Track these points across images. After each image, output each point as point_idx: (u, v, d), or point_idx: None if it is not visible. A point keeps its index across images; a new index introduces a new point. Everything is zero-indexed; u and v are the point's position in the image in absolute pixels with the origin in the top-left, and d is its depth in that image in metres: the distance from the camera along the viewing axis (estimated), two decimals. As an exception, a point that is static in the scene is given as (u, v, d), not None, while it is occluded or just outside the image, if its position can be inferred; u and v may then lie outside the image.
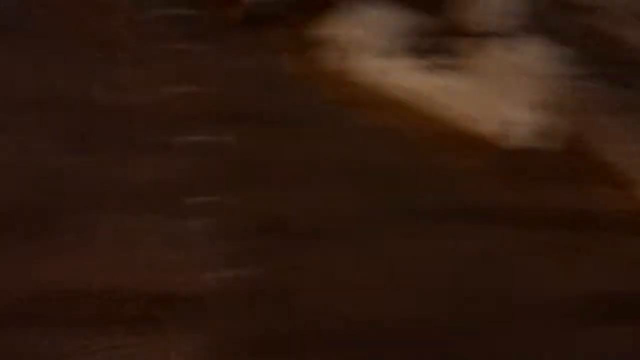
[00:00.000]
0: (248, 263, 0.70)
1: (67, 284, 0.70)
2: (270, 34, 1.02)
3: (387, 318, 0.60)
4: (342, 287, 0.69)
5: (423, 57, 1.00)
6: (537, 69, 0.98)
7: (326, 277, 0.68)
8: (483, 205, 0.83)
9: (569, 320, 0.70)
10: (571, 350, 0.66)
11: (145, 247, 0.74)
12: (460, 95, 0.95)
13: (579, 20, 1.05)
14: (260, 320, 0.64)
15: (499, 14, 1.08)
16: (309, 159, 0.88)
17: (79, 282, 0.71)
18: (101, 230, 0.77)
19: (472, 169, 0.89)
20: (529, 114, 0.92)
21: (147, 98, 0.86)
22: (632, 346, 0.69)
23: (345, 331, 0.61)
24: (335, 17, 1.02)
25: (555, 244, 0.79)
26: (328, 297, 0.64)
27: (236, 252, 0.70)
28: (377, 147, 0.92)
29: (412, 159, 0.90)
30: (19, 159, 0.86)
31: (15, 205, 0.81)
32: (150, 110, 0.82)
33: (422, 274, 0.76)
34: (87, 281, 0.72)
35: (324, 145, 0.90)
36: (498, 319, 0.70)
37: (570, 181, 0.90)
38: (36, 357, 0.66)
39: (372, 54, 0.96)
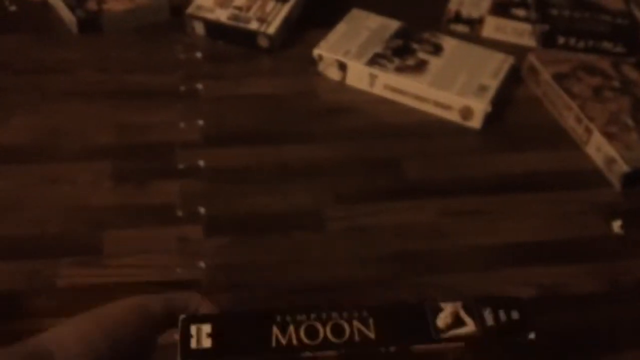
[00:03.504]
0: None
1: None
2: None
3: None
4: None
5: (402, 57, 1.05)
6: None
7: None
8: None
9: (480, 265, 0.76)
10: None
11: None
12: (430, 87, 1.02)
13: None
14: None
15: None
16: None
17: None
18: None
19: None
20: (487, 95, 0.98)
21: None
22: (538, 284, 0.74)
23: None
24: (328, 33, 1.07)
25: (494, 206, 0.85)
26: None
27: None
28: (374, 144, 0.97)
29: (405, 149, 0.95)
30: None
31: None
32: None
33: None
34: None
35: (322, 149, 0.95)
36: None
37: (530, 148, 0.97)
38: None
39: (362, 61, 1.01)
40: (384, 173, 0.88)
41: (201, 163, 0.87)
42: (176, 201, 0.81)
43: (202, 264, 0.75)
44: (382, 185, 0.86)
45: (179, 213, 0.80)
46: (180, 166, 0.86)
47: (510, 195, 0.86)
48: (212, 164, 0.86)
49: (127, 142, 0.89)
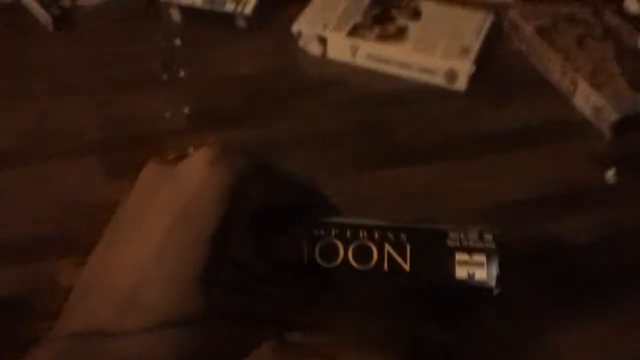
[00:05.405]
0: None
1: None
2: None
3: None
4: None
5: (382, 25, 1.05)
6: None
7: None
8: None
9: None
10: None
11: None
12: (413, 53, 1.02)
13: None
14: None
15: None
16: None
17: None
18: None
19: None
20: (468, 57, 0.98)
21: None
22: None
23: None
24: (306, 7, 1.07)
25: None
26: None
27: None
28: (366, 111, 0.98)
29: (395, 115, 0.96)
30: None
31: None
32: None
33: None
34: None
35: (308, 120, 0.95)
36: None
37: (518, 104, 0.98)
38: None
39: (342, 33, 1.01)
40: (376, 142, 0.88)
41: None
42: (170, 190, 0.81)
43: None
44: (374, 154, 0.86)
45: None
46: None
47: (504, 153, 0.87)
48: (203, 150, 0.86)
49: (114, 135, 0.89)
